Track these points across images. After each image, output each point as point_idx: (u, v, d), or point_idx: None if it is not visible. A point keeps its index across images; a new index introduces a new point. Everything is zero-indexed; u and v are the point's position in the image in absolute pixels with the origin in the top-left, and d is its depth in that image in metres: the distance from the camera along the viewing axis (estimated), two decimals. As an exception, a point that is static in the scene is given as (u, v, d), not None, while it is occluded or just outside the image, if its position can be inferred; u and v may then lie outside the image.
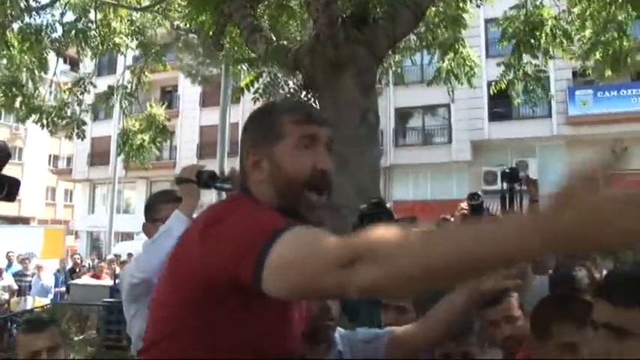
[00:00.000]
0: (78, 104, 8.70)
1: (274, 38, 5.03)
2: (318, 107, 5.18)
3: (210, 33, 6.59)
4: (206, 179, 2.19)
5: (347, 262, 0.96)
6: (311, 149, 1.33)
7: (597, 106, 20.44)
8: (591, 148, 19.33)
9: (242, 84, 5.64)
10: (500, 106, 20.52)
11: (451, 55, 9.61)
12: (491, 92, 10.44)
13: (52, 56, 9.43)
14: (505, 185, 4.34)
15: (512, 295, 2.23)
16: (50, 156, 37.08)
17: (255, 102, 5.28)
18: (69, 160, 33.01)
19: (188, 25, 8.41)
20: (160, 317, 1.33)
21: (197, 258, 1.21)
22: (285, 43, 5.05)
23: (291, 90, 5.35)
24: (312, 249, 1.05)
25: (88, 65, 23.32)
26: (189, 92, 27.71)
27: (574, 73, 19.53)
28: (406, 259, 0.93)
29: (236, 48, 7.35)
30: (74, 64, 29.44)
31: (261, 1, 5.77)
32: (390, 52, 9.59)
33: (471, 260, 0.88)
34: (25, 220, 33.58)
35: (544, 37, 8.67)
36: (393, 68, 9.92)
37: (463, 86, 10.46)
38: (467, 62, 9.69)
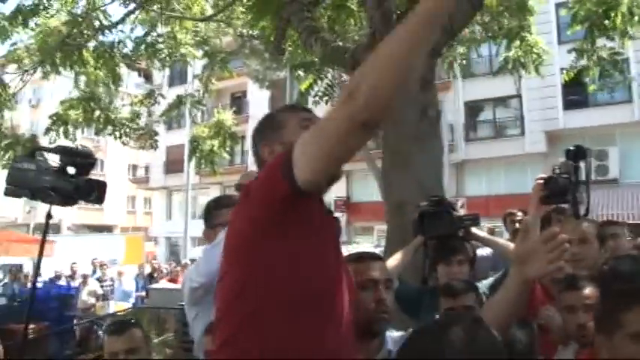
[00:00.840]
0: (149, 115, 9.04)
1: (332, 39, 5.02)
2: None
3: (272, 38, 6.68)
4: None
5: (348, 96, 1.21)
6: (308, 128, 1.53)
7: (684, 88, 19.15)
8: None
9: (302, 88, 5.67)
10: (576, 93, 19.60)
11: (517, 43, 9.29)
12: (563, 80, 10.01)
13: (127, 70, 9.89)
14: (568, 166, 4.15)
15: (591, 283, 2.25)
16: (129, 166, 38.77)
17: (316, 105, 5.31)
18: (147, 169, 34.39)
19: (251, 32, 8.57)
20: (227, 289, 1.45)
21: (244, 215, 1.43)
22: (341, 43, 5.04)
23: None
24: (319, 120, 1.37)
25: (159, 77, 24.15)
26: (257, 97, 28.19)
27: (656, 54, 18.38)
28: (381, 61, 1.20)
29: (299, 51, 7.41)
30: (148, 77, 30.76)
31: (319, 4, 5.79)
32: (453, 44, 9.40)
33: (416, 31, 1.19)
34: (108, 228, 35.33)
35: (620, 17, 8.19)
36: (459, 61, 9.67)
37: (534, 75, 10.10)
38: (535, 50, 9.33)
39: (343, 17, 6.15)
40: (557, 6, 18.17)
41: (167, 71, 10.47)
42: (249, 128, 29.25)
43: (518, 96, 21.05)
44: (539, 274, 1.48)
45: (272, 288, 1.36)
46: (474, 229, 3.04)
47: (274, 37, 6.50)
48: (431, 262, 3.06)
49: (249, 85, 24.98)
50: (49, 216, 2.96)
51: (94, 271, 12.74)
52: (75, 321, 9.75)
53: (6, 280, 12.61)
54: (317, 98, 5.51)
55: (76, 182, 2.88)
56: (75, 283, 11.97)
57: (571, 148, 4.55)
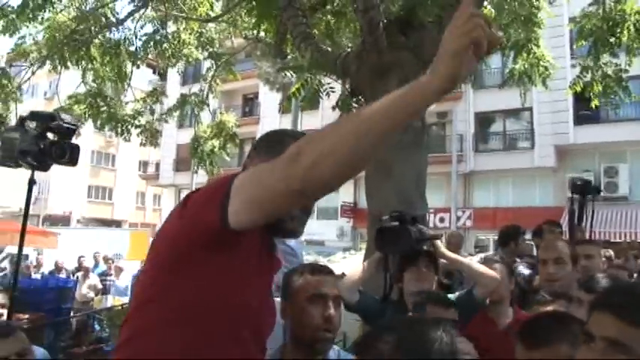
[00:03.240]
0: (151, 113, 9.13)
1: (324, 46, 5.04)
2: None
3: (272, 41, 6.72)
4: None
5: (289, 159, 1.16)
6: None
7: (697, 107, 18.94)
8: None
9: (290, 92, 5.71)
10: (587, 108, 19.46)
11: (525, 55, 9.25)
12: (569, 94, 9.96)
13: (140, 67, 9.98)
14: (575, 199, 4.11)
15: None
16: (140, 162, 39.05)
17: (302, 110, 5.30)
18: (157, 165, 34.62)
19: (255, 34, 8.63)
20: (140, 289, 1.48)
21: (176, 223, 1.41)
22: (330, 50, 5.06)
23: (342, 97, 5.34)
24: (264, 165, 1.28)
25: (173, 75, 24.29)
26: (269, 99, 28.31)
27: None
28: (332, 139, 1.13)
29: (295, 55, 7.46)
30: (163, 75, 30.96)
31: (316, 10, 5.82)
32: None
33: (374, 124, 1.10)
34: (117, 223, 35.59)
35: (626, 34, 8.13)
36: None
37: (547, 89, 10.04)
38: (542, 63, 9.29)
39: (342, 24, 6.18)
40: (570, 20, 18.09)
41: (180, 70, 10.50)
42: (259, 130, 29.37)
43: (529, 109, 20.91)
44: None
45: (181, 302, 1.36)
46: (440, 247, 3.02)
47: (275, 40, 6.54)
48: (392, 276, 3.04)
49: (260, 87, 25.05)
50: (31, 182, 3.01)
51: (96, 265, 12.82)
52: (72, 313, 9.83)
53: (7, 271, 12.72)
54: (302, 104, 5.54)
55: (45, 145, 2.92)
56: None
57: (578, 182, 4.49)
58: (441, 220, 22.20)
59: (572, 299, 2.39)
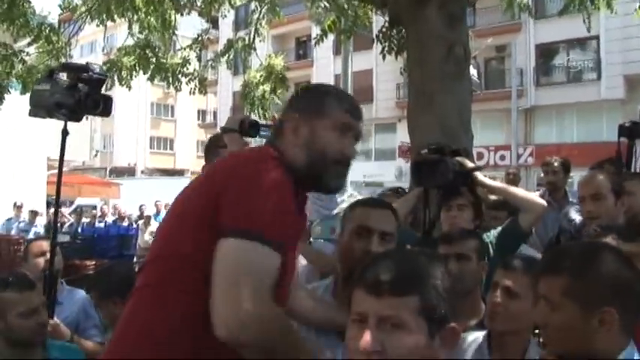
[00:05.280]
0: (198, 60, 9.09)
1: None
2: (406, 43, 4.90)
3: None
4: (248, 128, 2.34)
5: (248, 323, 1.27)
6: (344, 136, 1.57)
7: None
8: None
9: (325, 26, 5.49)
10: (661, 33, 18.10)
11: (587, -23, 8.55)
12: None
13: (194, 16, 9.93)
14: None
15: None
16: (199, 111, 39.65)
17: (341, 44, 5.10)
18: (214, 114, 35.07)
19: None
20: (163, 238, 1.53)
21: (212, 197, 1.39)
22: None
23: (383, 29, 5.10)
24: (241, 280, 1.30)
25: (223, 23, 24.21)
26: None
27: None
28: (273, 342, 1.33)
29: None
30: (215, 22, 30.91)
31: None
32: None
33: None
34: (179, 172, 36.59)
35: None
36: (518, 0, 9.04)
37: (613, 13, 9.32)
38: (606, -17, 8.56)
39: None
40: None
41: (224, 15, 10.36)
42: (313, 73, 29.13)
43: (596, 37, 19.65)
44: None
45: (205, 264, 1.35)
46: (480, 177, 2.87)
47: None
48: (435, 211, 2.93)
49: (313, 28, 24.64)
50: (64, 132, 3.04)
51: (158, 213, 13.28)
52: (134, 260, 10.28)
53: (73, 221, 13.39)
54: (343, 37, 5.29)
55: (80, 97, 2.92)
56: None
57: (626, 124, 4.17)
58: (502, 157, 21.62)
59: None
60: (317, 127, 1.53)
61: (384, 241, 1.76)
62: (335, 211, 3.04)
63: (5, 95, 8.56)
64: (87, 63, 3.15)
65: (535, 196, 2.79)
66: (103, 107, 3.08)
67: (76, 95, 2.95)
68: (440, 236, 2.52)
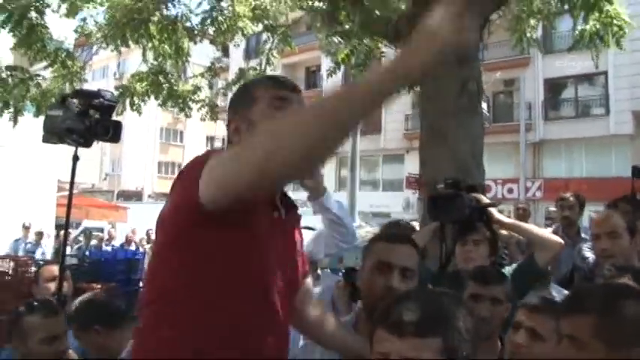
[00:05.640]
0: (209, 87, 9.19)
1: (374, 10, 4.86)
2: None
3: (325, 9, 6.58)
4: None
5: (254, 146, 1.11)
6: (282, 110, 1.45)
7: None
8: None
9: (338, 58, 5.56)
10: (669, 70, 18.20)
11: (596, 15, 8.63)
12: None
13: (205, 45, 10.07)
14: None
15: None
16: (207, 137, 39.87)
17: (357, 75, 5.21)
18: (224, 141, 35.22)
19: (310, 4, 8.48)
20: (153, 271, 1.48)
21: (171, 203, 1.39)
22: (381, 13, 4.85)
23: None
24: (231, 150, 1.25)
25: (234, 51, 24.46)
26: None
27: None
28: (292, 125, 1.08)
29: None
30: (225, 51, 31.33)
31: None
32: (523, 17, 8.89)
33: (339, 115, 1.03)
34: (186, 198, 36.58)
35: None
36: (528, 35, 9.14)
37: (622, 50, 9.38)
38: (615, 21, 8.65)
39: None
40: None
41: (237, 44, 10.50)
42: (321, 103, 29.27)
43: (604, 73, 19.76)
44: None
45: (191, 282, 1.34)
46: (496, 214, 2.86)
47: (327, 8, 6.40)
48: (448, 247, 2.92)
49: (323, 59, 24.90)
50: (75, 158, 3.06)
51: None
52: (141, 284, 10.24)
53: (82, 244, 13.39)
54: (358, 69, 5.37)
55: (90, 123, 2.96)
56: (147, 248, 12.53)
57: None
58: (510, 190, 21.55)
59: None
60: (252, 116, 1.46)
61: (405, 277, 1.72)
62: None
63: (19, 117, 8.67)
64: (99, 89, 3.20)
65: (551, 234, 2.78)
66: (112, 133, 3.13)
67: (87, 121, 3.00)
68: (472, 273, 2.44)
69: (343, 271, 2.98)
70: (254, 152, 1.09)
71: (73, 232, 14.77)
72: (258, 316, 1.37)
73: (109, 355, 2.45)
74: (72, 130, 2.94)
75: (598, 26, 8.71)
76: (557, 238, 2.81)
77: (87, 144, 3.02)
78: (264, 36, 10.70)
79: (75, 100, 3.07)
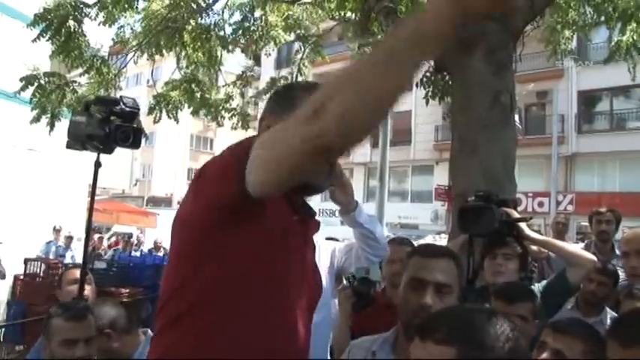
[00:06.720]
0: (241, 96, 9.29)
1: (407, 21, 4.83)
2: (450, 89, 4.90)
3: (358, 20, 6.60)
4: None
5: (312, 114, 1.01)
6: None
7: None
8: None
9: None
10: None
11: (633, 25, 8.47)
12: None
13: (238, 54, 10.19)
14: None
15: None
16: (237, 146, 40.18)
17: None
18: (252, 149, 35.44)
19: (342, 14, 8.51)
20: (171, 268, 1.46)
21: (191, 203, 1.38)
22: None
23: (427, 73, 5.13)
24: (280, 125, 1.13)
25: (266, 60, 24.75)
26: (361, 82, 28.06)
27: None
28: (358, 82, 1.00)
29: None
30: (258, 59, 31.63)
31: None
32: (558, 28, 8.78)
33: (391, 67, 0.98)
34: (214, 205, 36.90)
35: None
36: (562, 46, 9.01)
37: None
38: (653, 33, 8.46)
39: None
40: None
41: (268, 53, 10.59)
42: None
43: (640, 86, 19.35)
44: None
45: (210, 285, 1.34)
46: (526, 230, 2.80)
47: (360, 19, 6.41)
48: (477, 261, 2.87)
49: (352, 69, 24.89)
50: (97, 164, 3.11)
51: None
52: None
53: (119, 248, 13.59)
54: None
55: (110, 129, 3.00)
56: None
57: None
58: (540, 204, 21.19)
59: None
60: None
61: (440, 293, 1.64)
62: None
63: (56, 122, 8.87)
64: (120, 96, 3.26)
65: (583, 251, 2.72)
66: (132, 140, 3.17)
67: (107, 128, 3.04)
68: (495, 291, 2.38)
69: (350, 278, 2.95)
70: (321, 115, 1.00)
71: (105, 237, 15.04)
72: (279, 315, 1.38)
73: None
74: (93, 136, 3.00)
75: (635, 37, 8.55)
76: (590, 255, 2.75)
77: (108, 150, 3.07)
78: (296, 45, 10.79)
79: (97, 107, 3.13)
